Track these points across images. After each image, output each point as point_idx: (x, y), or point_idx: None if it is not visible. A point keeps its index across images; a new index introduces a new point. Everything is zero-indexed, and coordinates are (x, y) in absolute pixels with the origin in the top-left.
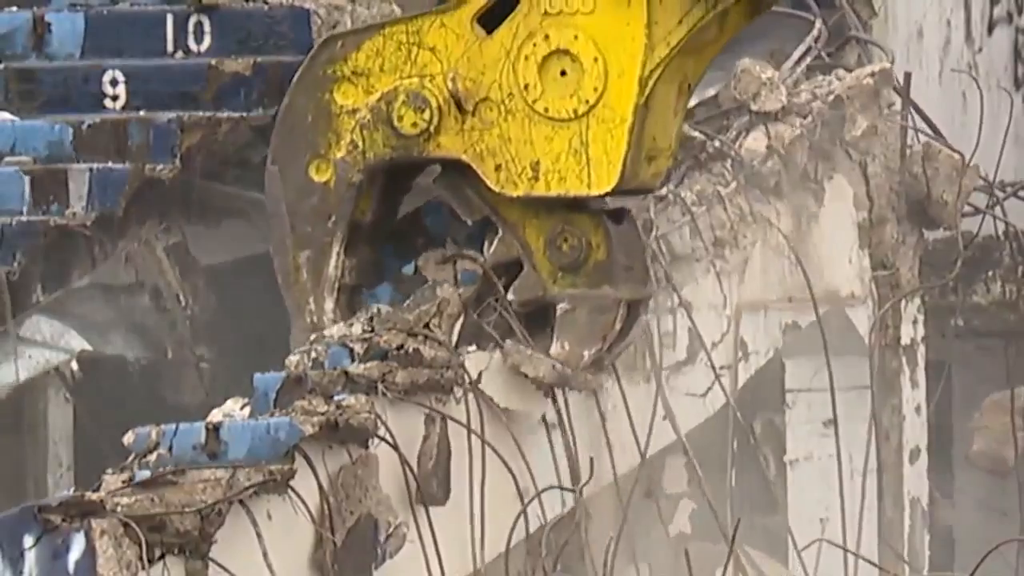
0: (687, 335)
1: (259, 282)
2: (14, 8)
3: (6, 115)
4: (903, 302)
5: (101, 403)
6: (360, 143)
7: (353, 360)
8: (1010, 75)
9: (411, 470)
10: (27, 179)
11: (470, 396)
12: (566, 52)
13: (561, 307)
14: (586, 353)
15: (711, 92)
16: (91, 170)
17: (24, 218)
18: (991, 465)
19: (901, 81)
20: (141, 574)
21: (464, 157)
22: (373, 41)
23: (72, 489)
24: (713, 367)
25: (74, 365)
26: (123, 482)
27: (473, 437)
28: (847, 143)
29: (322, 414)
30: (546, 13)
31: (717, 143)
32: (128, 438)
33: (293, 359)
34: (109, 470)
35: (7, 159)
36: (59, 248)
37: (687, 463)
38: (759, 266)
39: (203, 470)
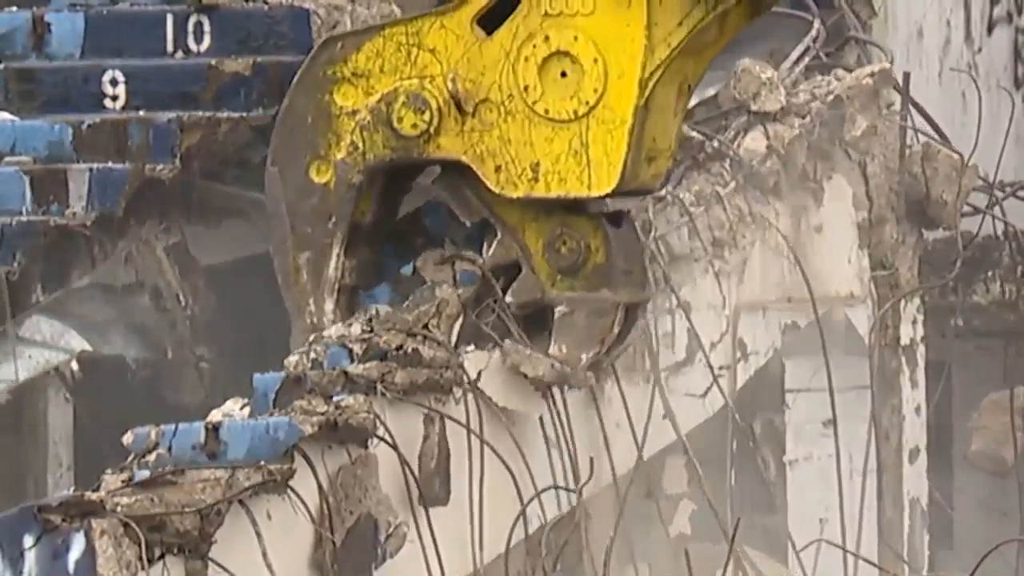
0: (686, 335)
1: (259, 282)
2: (14, 8)
3: (6, 115)
4: (903, 302)
5: (101, 403)
6: (360, 144)
7: (352, 360)
8: (1010, 75)
9: (411, 470)
10: (27, 179)
11: (469, 396)
12: (566, 53)
13: (559, 310)
14: (584, 356)
15: (711, 92)
16: (91, 170)
17: (24, 218)
18: (990, 465)
19: (901, 81)
20: (141, 574)
21: (464, 158)
22: (373, 42)
23: (72, 489)
24: (711, 368)
25: (74, 365)
26: (123, 482)
27: (472, 437)
28: (846, 143)
29: (321, 414)
30: (546, 14)
31: (716, 143)
32: (128, 438)
33: (292, 359)
34: (109, 470)
35: (7, 159)
36: (59, 248)
37: (687, 463)
38: (758, 266)
39: (203, 470)
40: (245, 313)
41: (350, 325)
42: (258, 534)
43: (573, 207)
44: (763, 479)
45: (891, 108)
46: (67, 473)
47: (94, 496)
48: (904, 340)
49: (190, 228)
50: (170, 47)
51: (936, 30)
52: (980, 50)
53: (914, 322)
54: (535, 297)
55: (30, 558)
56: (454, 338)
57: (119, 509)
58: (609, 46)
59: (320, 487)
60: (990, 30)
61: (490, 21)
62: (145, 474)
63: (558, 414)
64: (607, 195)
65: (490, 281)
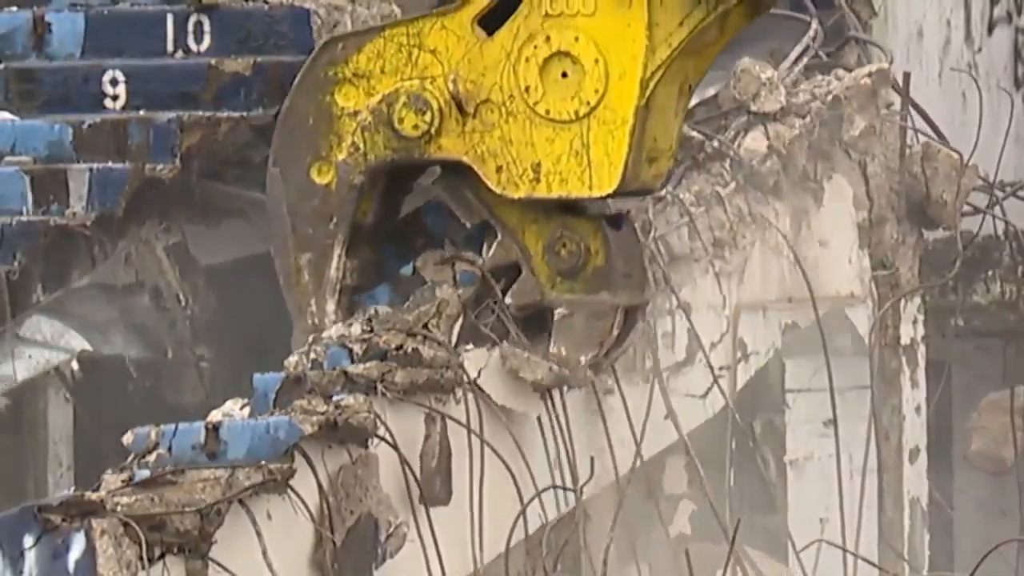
0: (686, 336)
1: (259, 282)
2: (14, 8)
3: (6, 115)
4: (903, 302)
5: (101, 403)
6: (361, 145)
7: (352, 360)
8: (1010, 75)
9: (411, 470)
10: (27, 179)
11: (470, 396)
12: (567, 54)
13: (559, 312)
14: (583, 359)
15: (711, 92)
16: (91, 170)
17: (24, 218)
18: (989, 465)
19: (900, 81)
20: (141, 574)
21: (465, 159)
22: (374, 43)
23: (72, 489)
24: (712, 368)
25: (74, 365)
26: (123, 482)
27: (473, 437)
28: (846, 143)
29: (321, 414)
30: (547, 15)
31: (716, 143)
32: (128, 438)
33: (292, 359)
34: (109, 470)
35: (7, 159)
36: (59, 248)
37: (687, 464)
38: (758, 266)
39: (203, 470)
40: (245, 313)
41: (350, 325)
42: (258, 534)
43: (573, 209)
44: (763, 479)
45: (891, 108)
46: (67, 473)
47: (94, 496)
48: (904, 340)
49: (190, 228)
50: (170, 47)
51: (936, 30)
52: (980, 50)
53: (914, 322)
54: (534, 299)
55: (30, 558)
56: (454, 338)
57: (119, 509)
58: (610, 46)
59: (320, 487)
60: (990, 30)
61: (491, 22)
62: (145, 474)
63: (557, 417)
64: (608, 195)
65: (490, 282)
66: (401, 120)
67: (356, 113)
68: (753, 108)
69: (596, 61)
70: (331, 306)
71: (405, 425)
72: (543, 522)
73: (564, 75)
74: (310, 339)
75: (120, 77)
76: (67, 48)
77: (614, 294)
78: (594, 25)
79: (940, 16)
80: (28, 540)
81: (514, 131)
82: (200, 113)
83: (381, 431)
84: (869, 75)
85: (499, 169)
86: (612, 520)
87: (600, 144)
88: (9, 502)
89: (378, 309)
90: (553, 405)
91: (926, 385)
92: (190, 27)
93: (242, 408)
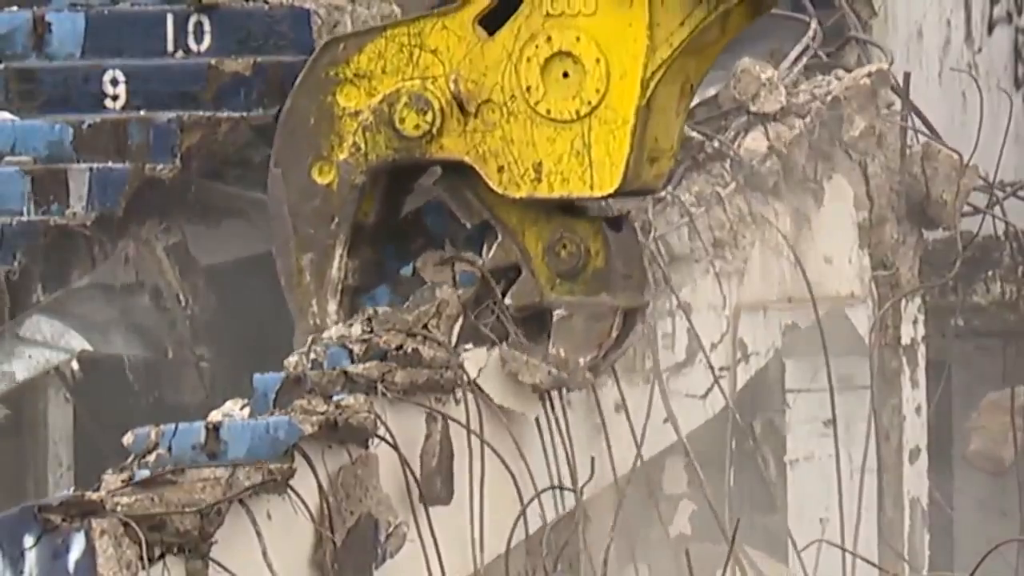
0: (686, 336)
1: (259, 282)
2: (14, 8)
3: (6, 115)
4: (903, 302)
5: (101, 403)
6: (362, 145)
7: (352, 360)
8: (1010, 75)
9: (411, 470)
10: (27, 179)
11: (470, 396)
12: (568, 54)
13: (558, 313)
14: (582, 360)
15: (711, 92)
16: (91, 170)
17: (24, 218)
18: (988, 465)
19: (900, 81)
20: (141, 574)
21: (466, 159)
22: (375, 43)
23: (72, 489)
24: (712, 368)
25: (74, 365)
26: (123, 482)
27: (473, 437)
28: (846, 143)
29: (321, 414)
30: (548, 15)
31: (716, 143)
32: (128, 438)
33: (292, 359)
34: (109, 470)
35: (7, 159)
36: (59, 248)
37: (687, 464)
38: (758, 266)
39: (203, 470)
40: (245, 313)
41: (350, 325)
42: (258, 534)
43: (573, 210)
44: (763, 479)
45: (891, 108)
46: (67, 473)
47: (94, 496)
48: (904, 340)
49: (190, 228)
50: (170, 47)
51: (936, 30)
52: (980, 50)
53: (914, 322)
54: (534, 300)
55: (30, 558)
56: (454, 339)
57: (119, 509)
58: (611, 46)
59: (320, 487)
60: (990, 30)
61: (492, 22)
62: (145, 474)
63: (556, 419)
64: (610, 195)
65: (489, 283)
66: (402, 120)
67: (357, 113)
68: (753, 108)
69: (597, 61)
70: (333, 306)
71: (405, 425)
72: (543, 522)
73: (565, 75)
74: (310, 339)
75: (120, 77)
76: (67, 48)
77: (613, 296)
78: (595, 25)
79: (940, 16)
80: (28, 540)
81: (515, 131)
82: (200, 113)
83: (381, 431)
84: (869, 75)
85: (500, 169)
86: (612, 520)
87: (601, 144)
88: (9, 502)
89: (378, 309)
90: (553, 406)
91: (926, 385)
92: (190, 27)
93: (242, 408)
